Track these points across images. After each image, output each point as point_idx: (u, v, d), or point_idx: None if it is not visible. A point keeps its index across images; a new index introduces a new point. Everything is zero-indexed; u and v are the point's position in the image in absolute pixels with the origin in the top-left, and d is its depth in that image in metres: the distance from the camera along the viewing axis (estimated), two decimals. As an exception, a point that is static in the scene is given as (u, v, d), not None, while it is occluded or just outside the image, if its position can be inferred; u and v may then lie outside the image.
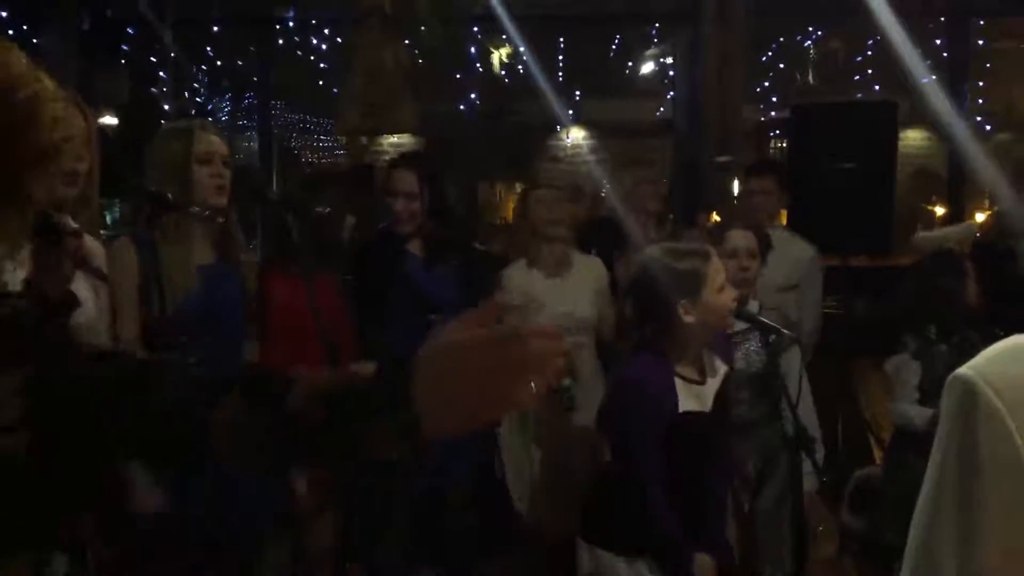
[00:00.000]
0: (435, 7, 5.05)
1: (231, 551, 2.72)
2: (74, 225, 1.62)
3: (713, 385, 2.73)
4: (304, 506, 3.05)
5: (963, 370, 0.98)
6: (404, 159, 3.78)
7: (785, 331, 3.03)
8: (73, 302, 1.49)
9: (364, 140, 6.75)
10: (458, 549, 3.52)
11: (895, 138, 5.17)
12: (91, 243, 1.83)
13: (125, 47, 6.14)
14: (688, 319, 2.57)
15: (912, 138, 9.22)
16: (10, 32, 5.62)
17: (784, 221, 4.86)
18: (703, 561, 2.64)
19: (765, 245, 3.47)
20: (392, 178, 3.51)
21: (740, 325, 3.19)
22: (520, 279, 3.77)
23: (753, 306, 3.34)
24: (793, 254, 4.20)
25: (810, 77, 7.90)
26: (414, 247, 3.50)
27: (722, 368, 2.77)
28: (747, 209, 4.29)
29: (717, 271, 2.63)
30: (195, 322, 2.63)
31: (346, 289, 3.37)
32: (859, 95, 7.08)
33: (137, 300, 2.46)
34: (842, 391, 4.66)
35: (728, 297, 2.67)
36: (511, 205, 11.66)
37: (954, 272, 3.60)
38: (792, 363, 3.24)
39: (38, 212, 1.49)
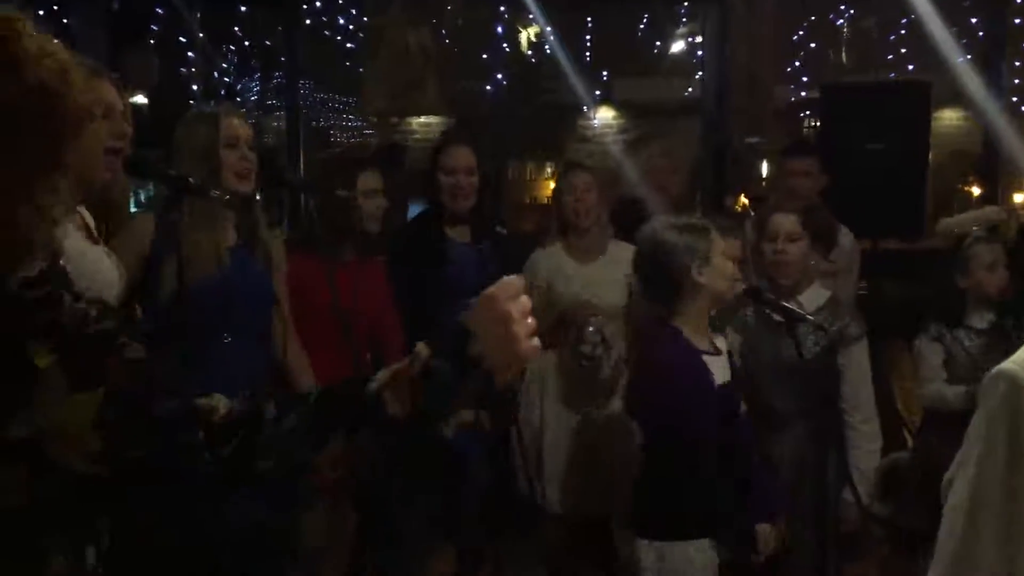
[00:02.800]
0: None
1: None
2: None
3: (725, 355, 2.75)
4: (325, 484, 3.08)
5: (1007, 365, 0.97)
6: (457, 135, 3.77)
7: (809, 317, 3.00)
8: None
9: (393, 120, 6.75)
10: (477, 526, 3.54)
11: (928, 119, 5.09)
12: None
13: (154, 27, 6.17)
14: (701, 280, 2.61)
15: (948, 118, 9.05)
16: (40, 12, 5.65)
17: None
18: (763, 530, 2.69)
19: (825, 229, 3.40)
20: (450, 154, 3.48)
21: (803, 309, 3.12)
22: (550, 262, 3.75)
23: (820, 295, 3.28)
24: (839, 240, 4.15)
25: (843, 56, 7.78)
26: (454, 230, 3.50)
27: (723, 340, 2.79)
28: (784, 191, 4.24)
29: (719, 241, 2.68)
30: (217, 302, 2.65)
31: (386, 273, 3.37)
32: (892, 75, 6.96)
33: (134, 268, 2.45)
34: (874, 374, 4.62)
35: (731, 267, 2.68)
36: (542, 184, 11.66)
37: (962, 261, 3.55)
38: (852, 356, 3.21)
39: None
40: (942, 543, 1.05)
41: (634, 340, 2.85)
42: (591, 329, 3.51)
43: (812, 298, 3.21)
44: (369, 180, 3.27)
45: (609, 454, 3.56)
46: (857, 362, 3.21)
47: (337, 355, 2.96)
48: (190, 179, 2.20)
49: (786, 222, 3.25)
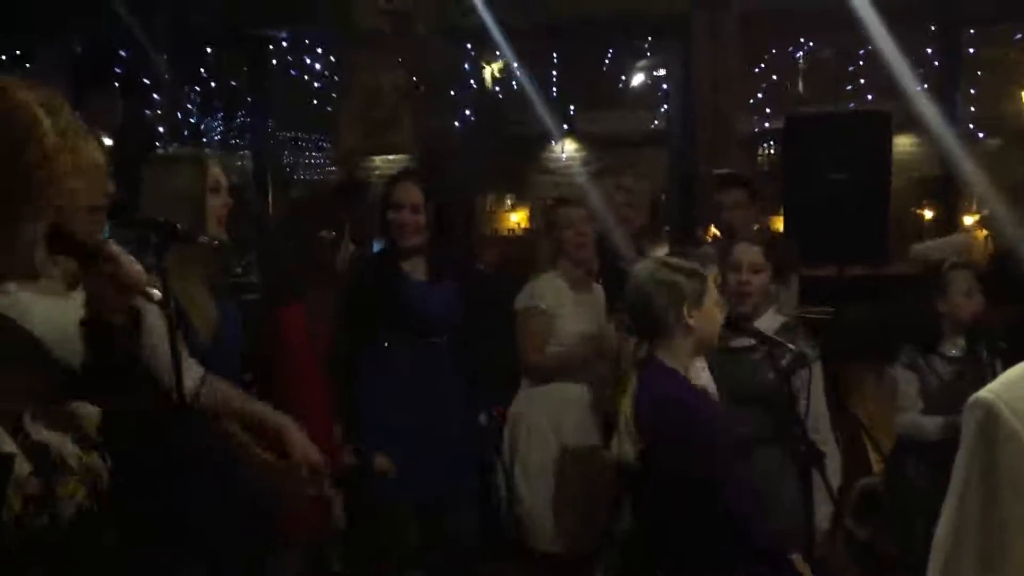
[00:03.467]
0: (433, 26, 5.08)
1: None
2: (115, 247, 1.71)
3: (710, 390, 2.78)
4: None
5: (983, 393, 0.98)
6: (406, 173, 3.77)
7: (790, 346, 3.04)
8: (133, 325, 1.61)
9: (350, 157, 6.76)
10: (457, 555, 3.52)
11: (889, 147, 5.20)
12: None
13: (118, 69, 6.14)
14: (692, 322, 2.62)
15: (902, 143, 9.26)
16: (2, 57, 5.62)
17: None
18: (799, 560, 2.69)
19: (785, 258, 3.46)
20: (396, 191, 3.46)
21: (743, 341, 3.20)
22: (551, 287, 3.74)
23: (774, 320, 3.32)
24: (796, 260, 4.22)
25: (800, 87, 7.94)
26: (411, 266, 3.48)
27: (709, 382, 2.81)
28: (722, 226, 4.29)
29: (714, 286, 2.71)
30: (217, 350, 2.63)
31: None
32: (852, 104, 7.11)
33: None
34: (838, 398, 4.68)
35: (719, 312, 2.71)
36: (502, 216, 11.72)
37: (940, 287, 3.63)
38: (804, 379, 3.22)
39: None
40: (932, 560, 1.06)
41: (628, 377, 2.81)
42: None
43: (767, 325, 3.24)
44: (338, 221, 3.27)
45: (594, 492, 3.56)
46: (813, 383, 3.23)
47: (314, 391, 2.96)
48: (178, 225, 2.17)
49: (751, 253, 3.30)
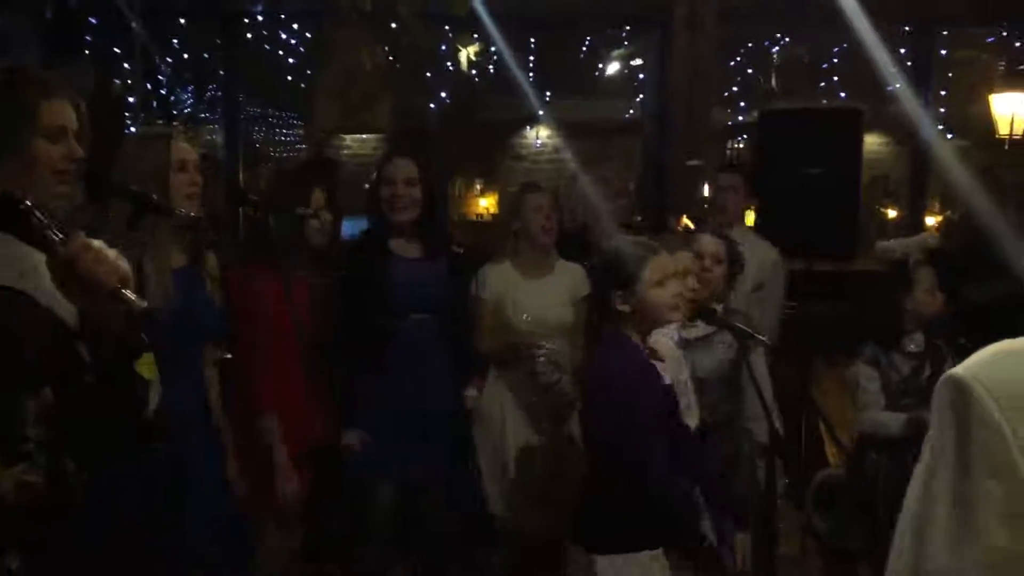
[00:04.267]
0: (416, 7, 5.04)
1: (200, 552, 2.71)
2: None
3: (665, 365, 2.82)
4: (290, 506, 3.07)
5: (957, 371, 1.00)
6: (400, 146, 3.78)
7: (756, 335, 3.11)
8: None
9: (325, 135, 6.72)
10: (433, 545, 3.53)
11: (860, 144, 5.26)
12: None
13: (89, 38, 6.03)
14: (623, 308, 2.68)
15: (869, 143, 9.38)
16: (-32, 21, 5.49)
17: (750, 222, 4.96)
18: (741, 540, 2.85)
19: (736, 254, 3.55)
20: (391, 165, 3.48)
21: (704, 329, 3.30)
22: (499, 277, 3.79)
23: (717, 310, 3.39)
24: (759, 256, 4.29)
25: (773, 82, 7.99)
26: (400, 244, 3.49)
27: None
28: (715, 206, 4.38)
29: (658, 268, 2.72)
30: (166, 324, 2.61)
31: (317, 289, 3.36)
32: (824, 101, 7.18)
33: None
34: (801, 391, 4.74)
35: (668, 293, 2.74)
36: (471, 201, 11.68)
37: (903, 284, 3.72)
38: (758, 365, 3.31)
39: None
40: (895, 545, 1.08)
41: (585, 354, 2.88)
42: (542, 359, 3.57)
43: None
44: (318, 197, 3.27)
45: (562, 475, 3.59)
46: (759, 367, 3.32)
47: (292, 366, 2.95)
48: (153, 196, 2.15)
49: (714, 243, 3.46)
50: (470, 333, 3.70)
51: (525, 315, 3.74)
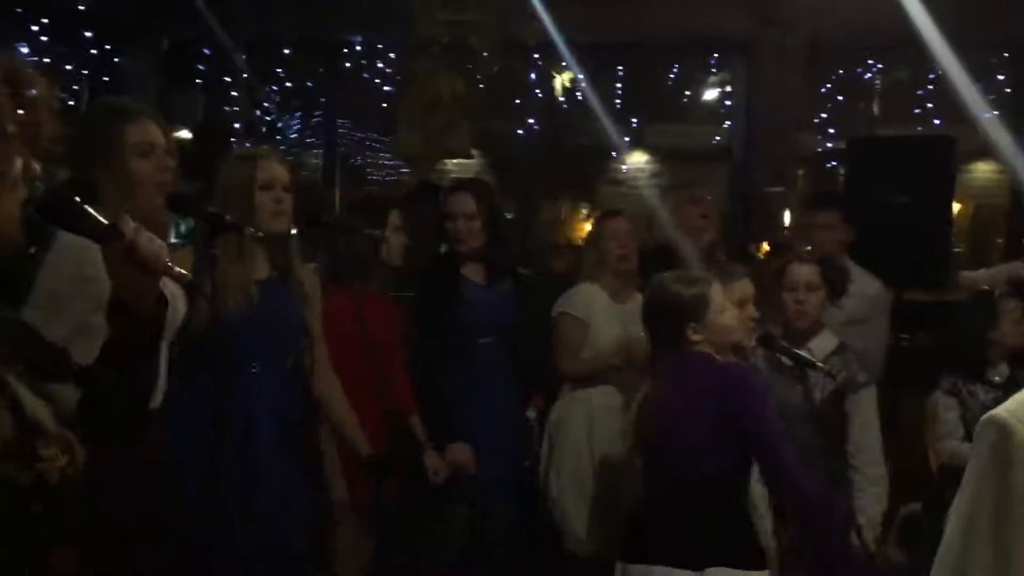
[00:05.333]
0: (492, 38, 5.21)
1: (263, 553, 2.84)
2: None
3: None
4: (340, 514, 3.18)
5: (998, 412, 1.02)
6: (461, 183, 3.93)
7: (820, 364, 3.06)
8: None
9: (424, 162, 6.93)
10: (497, 563, 3.62)
11: (952, 173, 5.15)
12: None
13: (201, 67, 6.42)
14: (696, 338, 2.68)
15: (981, 170, 9.06)
16: (94, 52, 5.94)
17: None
18: None
19: (838, 280, 3.49)
20: (450, 200, 3.65)
21: (784, 360, 3.21)
22: (585, 298, 3.84)
23: (829, 341, 3.35)
24: (859, 289, 4.20)
25: (874, 108, 7.85)
26: (470, 271, 3.63)
27: None
28: (810, 243, 4.31)
29: (718, 294, 2.75)
30: (246, 334, 2.77)
31: (398, 308, 3.50)
32: (919, 128, 7.02)
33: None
34: (892, 423, 4.65)
35: (731, 317, 2.76)
36: (576, 226, 11.73)
37: (989, 315, 3.62)
38: (860, 403, 3.27)
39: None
40: (935, 573, 1.10)
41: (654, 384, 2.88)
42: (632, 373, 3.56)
43: (822, 345, 3.27)
44: (393, 218, 3.40)
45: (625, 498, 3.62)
46: (864, 408, 3.25)
47: (363, 382, 3.08)
48: (226, 216, 2.33)
49: (806, 272, 3.35)
50: (533, 355, 3.76)
51: (619, 335, 3.77)
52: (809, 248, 4.27)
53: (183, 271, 1.55)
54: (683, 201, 4.42)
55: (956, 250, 8.09)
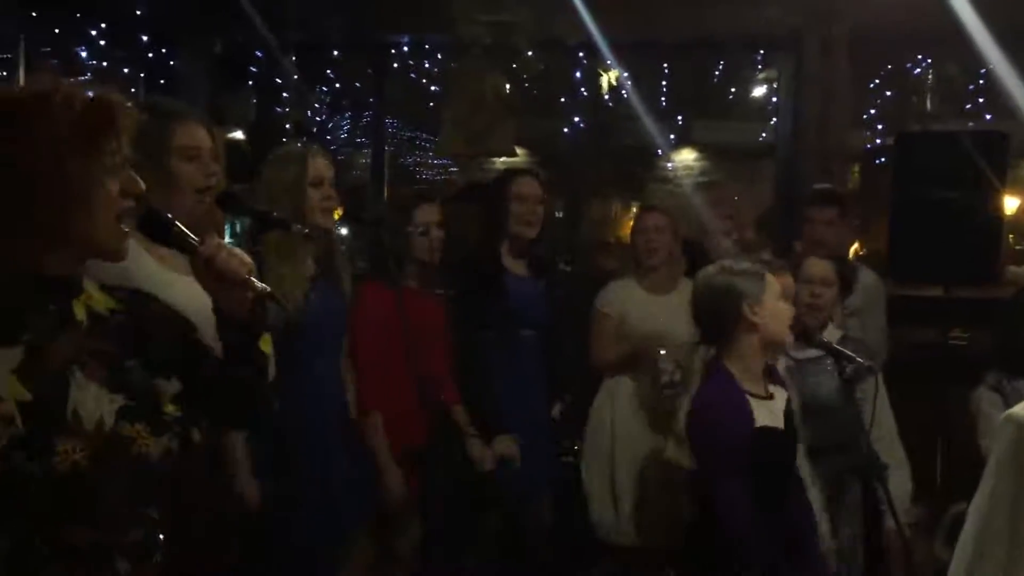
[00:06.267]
0: (533, 38, 5.25)
1: (316, 546, 2.91)
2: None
3: (780, 403, 2.81)
4: (394, 504, 3.24)
5: (1016, 410, 1.04)
6: (523, 169, 3.98)
7: (858, 358, 3.09)
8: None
9: (468, 161, 7.02)
10: (538, 558, 3.67)
11: (1004, 168, 5.07)
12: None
13: (253, 69, 6.56)
14: (754, 319, 2.69)
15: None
16: (149, 55, 6.11)
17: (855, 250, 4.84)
18: None
19: (848, 276, 3.52)
20: (520, 183, 3.67)
21: (812, 352, 3.27)
22: (622, 293, 3.90)
23: (834, 334, 3.39)
24: (859, 282, 4.22)
25: (927, 103, 7.73)
26: (512, 264, 3.68)
27: (782, 391, 2.85)
28: (810, 241, 4.31)
29: (772, 283, 2.78)
30: (300, 333, 2.84)
31: (444, 302, 3.56)
32: (971, 124, 6.90)
33: None
34: (943, 422, 4.60)
35: (786, 309, 2.78)
36: (626, 224, 11.73)
37: None
38: (868, 391, 3.26)
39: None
40: (953, 566, 1.13)
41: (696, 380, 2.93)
42: (663, 355, 3.63)
43: (830, 337, 3.32)
44: (426, 213, 3.44)
45: (671, 486, 3.65)
46: (876, 395, 3.25)
47: (404, 377, 3.14)
48: (274, 213, 2.40)
49: (822, 267, 3.43)
50: (568, 351, 3.81)
51: (655, 328, 3.81)
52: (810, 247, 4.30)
53: (263, 285, 1.64)
54: (709, 201, 4.48)
55: (1018, 248, 7.97)
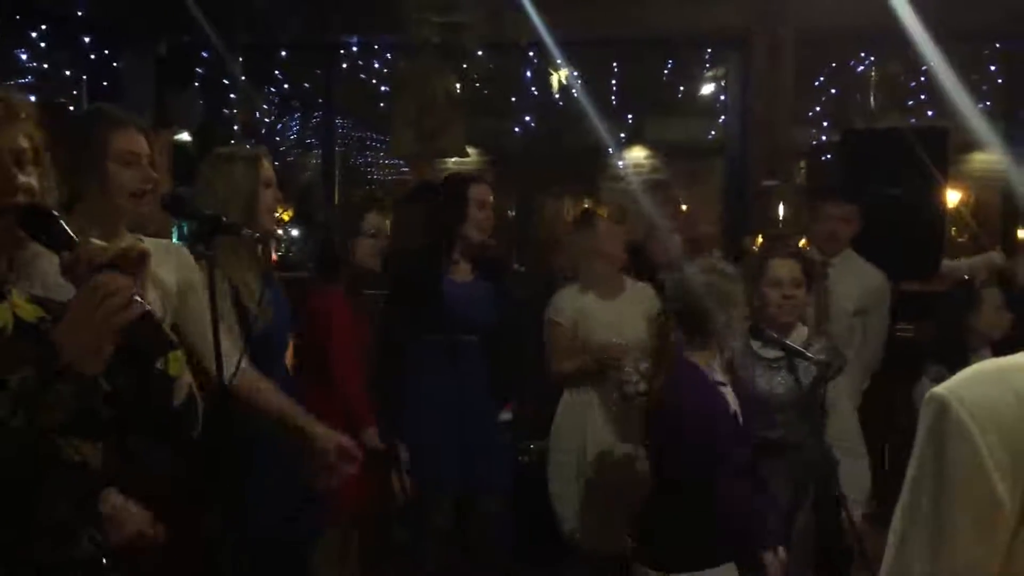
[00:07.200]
0: (483, 38, 5.25)
1: (279, 547, 2.88)
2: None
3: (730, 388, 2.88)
4: (350, 508, 3.22)
5: (938, 389, 1.06)
6: (476, 174, 3.98)
7: (812, 356, 3.13)
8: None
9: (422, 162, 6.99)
10: (493, 556, 3.66)
11: (946, 163, 5.19)
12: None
13: (199, 70, 6.47)
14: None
15: (981, 160, 9.06)
16: (92, 56, 6.00)
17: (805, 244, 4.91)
18: (770, 559, 2.80)
19: (815, 274, 3.54)
20: (477, 189, 3.67)
21: (772, 352, 3.29)
22: (573, 302, 3.89)
23: (801, 332, 3.40)
24: (863, 281, 4.28)
25: (871, 100, 7.88)
26: (456, 268, 3.66)
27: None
28: (824, 236, 4.37)
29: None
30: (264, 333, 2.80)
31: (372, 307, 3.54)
32: (912, 120, 7.06)
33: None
34: (888, 415, 4.68)
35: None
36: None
37: (970, 303, 3.67)
38: (836, 387, 3.35)
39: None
40: (884, 560, 1.14)
41: (655, 374, 2.94)
42: (628, 368, 3.63)
43: (797, 335, 3.33)
44: (376, 219, 3.42)
45: (629, 490, 3.67)
46: (840, 393, 3.32)
47: (351, 376, 3.12)
48: (223, 218, 2.37)
49: (789, 267, 3.38)
50: (520, 352, 3.80)
51: (608, 334, 3.82)
52: (824, 241, 4.34)
53: (143, 303, 1.43)
54: (656, 200, 4.51)
55: (960, 240, 8.14)
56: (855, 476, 3.28)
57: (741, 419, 2.89)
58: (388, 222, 3.45)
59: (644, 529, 2.93)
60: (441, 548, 3.60)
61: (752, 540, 2.76)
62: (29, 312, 1.49)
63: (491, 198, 3.67)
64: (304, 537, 2.99)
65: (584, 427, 3.85)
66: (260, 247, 2.91)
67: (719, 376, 2.86)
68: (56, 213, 1.49)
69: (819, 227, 4.39)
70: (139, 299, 1.40)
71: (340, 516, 3.30)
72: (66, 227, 1.47)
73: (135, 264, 1.43)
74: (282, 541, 2.84)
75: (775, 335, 3.20)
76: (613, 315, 3.87)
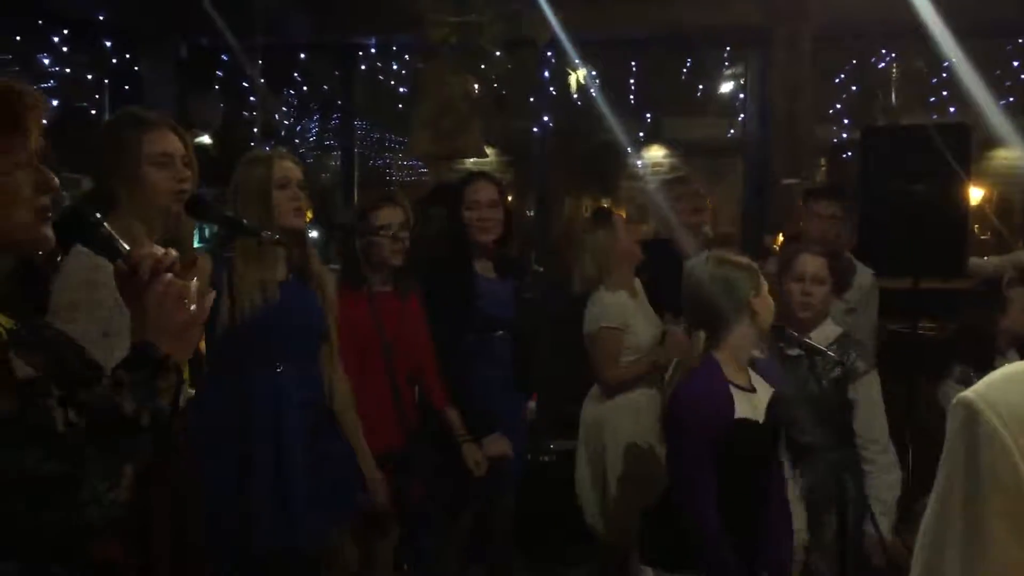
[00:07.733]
0: (501, 38, 5.25)
1: (298, 551, 2.89)
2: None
3: (764, 396, 2.80)
4: (378, 507, 3.23)
5: (967, 394, 1.04)
6: (479, 173, 3.97)
7: (831, 354, 3.09)
8: None
9: (440, 162, 7.01)
10: (505, 550, 3.68)
11: (968, 160, 5.13)
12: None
13: (219, 73, 6.52)
14: (757, 310, 2.70)
15: (1003, 157, 8.99)
16: (113, 60, 6.06)
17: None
18: None
19: (845, 274, 3.47)
20: (475, 188, 3.66)
21: (795, 350, 3.24)
22: (615, 302, 3.82)
23: (832, 331, 3.37)
24: (857, 280, 4.24)
25: (892, 98, 7.83)
26: (480, 266, 3.67)
27: (766, 385, 2.84)
28: (811, 235, 4.33)
29: (763, 277, 2.78)
30: (267, 334, 2.82)
31: (418, 305, 3.54)
32: (934, 116, 7.00)
33: None
34: (910, 414, 4.64)
35: (772, 303, 2.79)
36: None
37: (997, 303, 3.61)
38: (861, 391, 3.27)
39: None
40: (913, 566, 1.12)
41: (675, 369, 2.89)
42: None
43: (825, 334, 3.29)
44: (389, 215, 3.41)
45: (649, 486, 3.65)
46: (868, 395, 3.26)
47: (380, 381, 3.13)
48: (243, 220, 2.38)
49: (815, 264, 3.35)
50: (539, 351, 3.78)
51: (649, 332, 3.79)
52: (811, 240, 4.31)
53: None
54: (675, 196, 4.46)
55: (983, 237, 8.08)
56: (882, 484, 3.22)
57: (760, 420, 2.79)
58: (403, 218, 3.42)
59: (647, 527, 2.89)
60: (459, 544, 3.62)
61: (724, 561, 2.59)
62: (6, 321, 1.45)
63: (490, 195, 3.63)
64: (310, 546, 2.98)
65: (616, 422, 3.81)
66: (291, 245, 2.90)
67: (734, 376, 2.77)
68: (100, 218, 1.51)
69: (809, 226, 4.35)
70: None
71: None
72: (113, 233, 1.50)
73: (190, 270, 1.52)
74: (288, 551, 2.84)
75: (795, 333, 3.16)
76: (644, 312, 3.85)
